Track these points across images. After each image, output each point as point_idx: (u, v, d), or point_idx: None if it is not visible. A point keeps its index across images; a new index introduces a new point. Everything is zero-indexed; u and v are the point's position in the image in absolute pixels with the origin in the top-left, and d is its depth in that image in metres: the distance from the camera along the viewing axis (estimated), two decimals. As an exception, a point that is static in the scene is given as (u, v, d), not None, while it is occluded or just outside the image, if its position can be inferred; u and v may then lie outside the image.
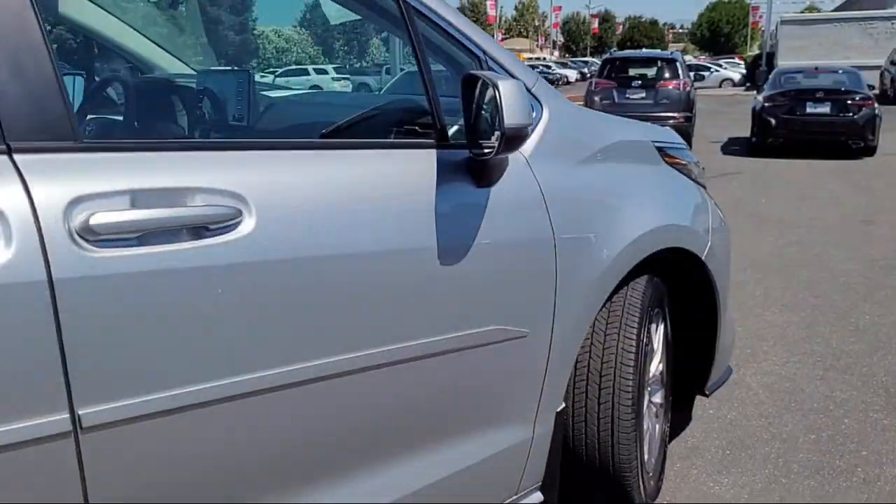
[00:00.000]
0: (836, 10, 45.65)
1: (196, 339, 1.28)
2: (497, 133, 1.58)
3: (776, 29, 32.70)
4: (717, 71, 35.76)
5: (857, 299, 4.62)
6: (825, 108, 11.77)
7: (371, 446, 1.63)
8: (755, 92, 14.69)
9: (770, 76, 13.62)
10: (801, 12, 54.08)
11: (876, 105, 11.88)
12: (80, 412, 1.15)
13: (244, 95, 2.20)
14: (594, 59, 53.22)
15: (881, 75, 24.41)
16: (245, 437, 1.39)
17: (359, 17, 2.20)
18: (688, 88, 12.43)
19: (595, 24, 79.85)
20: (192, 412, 1.28)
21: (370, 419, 1.61)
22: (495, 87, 1.55)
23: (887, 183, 9.32)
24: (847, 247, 5.99)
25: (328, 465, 1.55)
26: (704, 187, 2.65)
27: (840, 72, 13.04)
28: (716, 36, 69.91)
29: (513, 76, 1.84)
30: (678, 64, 12.71)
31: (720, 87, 34.96)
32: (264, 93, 2.69)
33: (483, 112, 1.66)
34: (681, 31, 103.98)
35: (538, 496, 2.06)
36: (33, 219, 1.11)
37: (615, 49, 31.31)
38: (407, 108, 1.90)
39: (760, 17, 57.40)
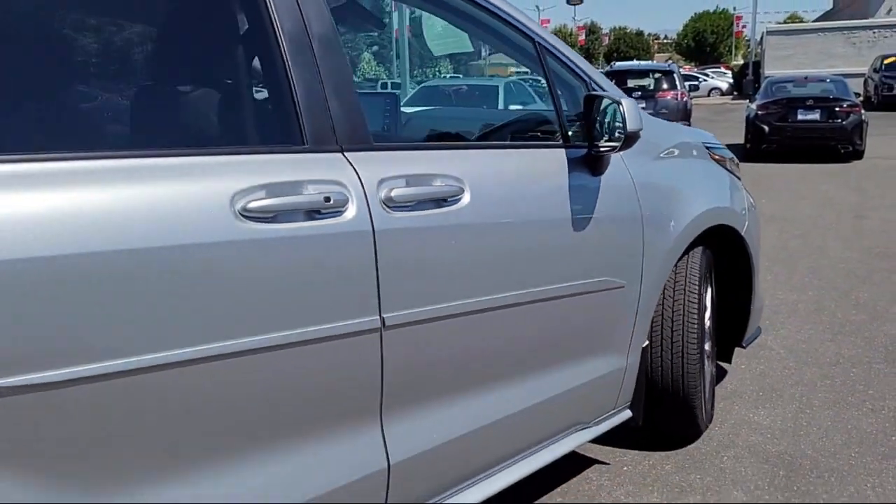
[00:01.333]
0: (818, 20, 46.75)
1: (442, 269, 1.92)
2: (620, 135, 2.23)
3: (761, 38, 33.63)
4: (705, 80, 36.66)
5: (856, 281, 5.29)
6: (815, 115, 12.52)
7: (528, 359, 2.27)
8: (747, 101, 15.42)
9: (762, 85, 14.37)
10: (784, 21, 55.33)
11: (863, 111, 12.65)
12: (384, 315, 1.79)
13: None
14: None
15: (865, 83, 25.32)
16: (473, 338, 2.04)
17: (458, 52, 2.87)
18: (685, 98, 13.19)
19: (582, 36, 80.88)
20: (444, 321, 1.91)
21: (526, 340, 2.25)
22: (619, 103, 2.21)
23: (876, 184, 10.04)
24: (844, 239, 6.68)
25: (504, 370, 2.19)
26: (739, 178, 3.31)
27: (828, 80, 13.83)
28: (701, 46, 71.10)
29: (606, 93, 2.50)
30: (675, 75, 13.47)
31: (709, 95, 35.83)
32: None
33: (599, 120, 2.31)
34: (666, 41, 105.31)
35: (628, 413, 2.71)
36: (363, 193, 1.75)
37: (615, 62, 32.06)
38: (539, 118, 2.56)
39: (744, 26, 58.66)
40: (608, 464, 2.87)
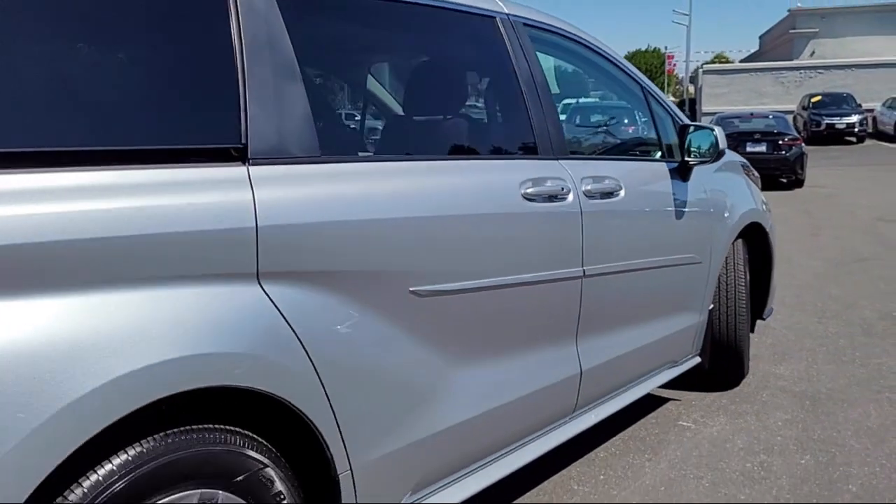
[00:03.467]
0: (745, 60, 49.62)
1: (611, 240, 2.84)
2: (711, 152, 3.21)
3: (696, 76, 35.76)
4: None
5: (825, 281, 6.41)
6: (762, 148, 13.93)
7: (652, 308, 3.21)
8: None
9: (713, 120, 15.79)
10: (712, 61, 58.29)
11: (803, 144, 14.11)
12: (585, 268, 2.70)
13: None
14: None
15: (794, 119, 27.29)
16: (624, 289, 2.96)
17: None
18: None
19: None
20: (611, 275, 2.83)
21: (651, 294, 3.19)
22: (713, 130, 3.19)
23: (819, 207, 11.37)
24: (806, 251, 7.84)
25: (639, 315, 3.13)
26: (759, 187, 4.34)
27: (770, 116, 15.34)
28: (635, 83, 73.99)
29: (682, 120, 3.48)
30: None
31: (648, 130, 37.69)
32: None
33: (689, 140, 3.29)
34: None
35: (698, 359, 3.66)
36: (575, 186, 2.66)
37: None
38: (645, 140, 3.52)
39: (675, 65, 61.66)
40: (680, 400, 3.82)
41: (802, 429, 3.46)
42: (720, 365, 3.86)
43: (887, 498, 2.81)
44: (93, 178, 1.54)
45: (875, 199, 12.28)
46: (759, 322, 4.40)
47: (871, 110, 27.08)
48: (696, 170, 3.44)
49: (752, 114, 15.62)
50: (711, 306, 3.68)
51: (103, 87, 1.69)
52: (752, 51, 53.38)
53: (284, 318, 1.78)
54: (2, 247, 1.39)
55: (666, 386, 3.70)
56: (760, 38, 51.10)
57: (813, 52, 36.96)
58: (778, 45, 41.93)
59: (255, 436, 1.76)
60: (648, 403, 3.70)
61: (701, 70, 34.13)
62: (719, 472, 3.07)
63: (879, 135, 26.84)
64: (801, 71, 31.82)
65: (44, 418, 1.38)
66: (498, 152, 2.66)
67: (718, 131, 3.24)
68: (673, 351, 3.46)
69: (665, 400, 3.82)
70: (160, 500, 1.58)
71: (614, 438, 3.40)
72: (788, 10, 40.07)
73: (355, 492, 1.98)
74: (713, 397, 3.85)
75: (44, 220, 1.45)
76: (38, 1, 1.57)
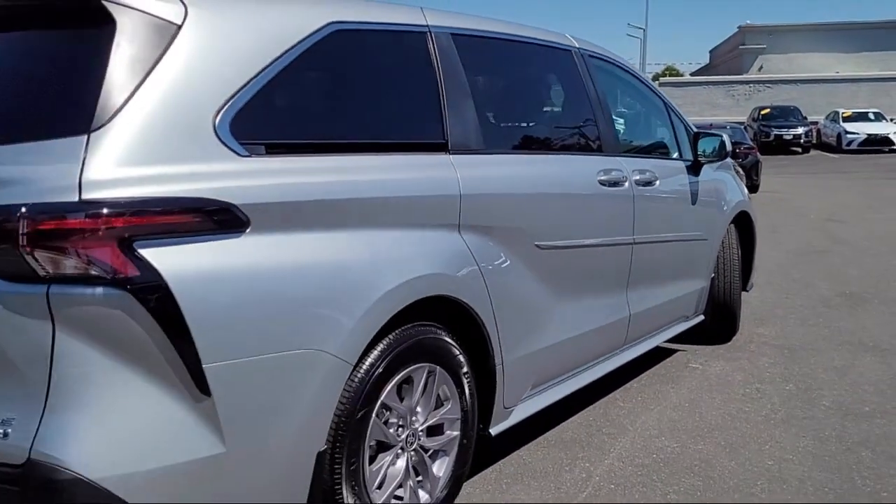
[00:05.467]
0: (696, 73, 51.62)
1: (652, 217, 3.81)
2: (721, 154, 4.22)
3: (652, 89, 37.41)
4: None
5: (787, 268, 7.51)
6: (721, 156, 15.16)
7: (674, 271, 4.19)
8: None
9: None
10: (662, 73, 60.38)
11: (758, 153, 15.40)
12: (635, 237, 3.66)
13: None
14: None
15: (745, 130, 28.89)
16: (656, 256, 3.94)
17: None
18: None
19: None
20: (650, 244, 3.80)
21: (674, 261, 4.17)
22: (721, 136, 4.20)
23: (774, 209, 12.57)
24: (769, 245, 8.93)
25: (666, 276, 4.10)
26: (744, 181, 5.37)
27: (728, 127, 16.62)
28: (589, 93, 75.93)
29: (694, 129, 4.48)
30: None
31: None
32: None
33: (700, 144, 4.29)
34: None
35: (702, 317, 4.67)
36: (629, 176, 3.62)
37: None
38: (667, 144, 4.50)
39: (629, 76, 63.63)
40: (686, 350, 4.81)
41: (784, 367, 4.48)
42: (717, 322, 4.87)
43: (853, 412, 3.82)
44: (385, 159, 2.49)
45: (823, 202, 13.60)
46: (742, 294, 5.42)
47: (815, 123, 28.83)
48: (703, 167, 4.44)
49: (711, 125, 16.88)
50: (713, 275, 4.69)
51: (396, 112, 2.72)
52: (703, 64, 55.51)
53: (472, 255, 2.70)
54: (347, 199, 2.30)
55: (674, 339, 4.67)
56: (711, 52, 53.25)
57: (761, 67, 38.92)
58: (728, 59, 43.90)
59: (451, 335, 2.68)
60: (663, 353, 4.68)
61: (657, 83, 35.73)
62: (726, 394, 4.07)
63: (823, 145, 28.63)
64: (751, 85, 33.62)
65: (372, 301, 2.29)
66: (582, 150, 3.61)
67: (726, 137, 4.24)
68: (685, 308, 4.44)
69: (675, 351, 4.81)
70: (411, 366, 2.49)
71: (640, 376, 4.36)
72: (738, 27, 42.08)
73: (503, 381, 2.90)
74: (712, 348, 4.85)
75: (363, 184, 2.37)
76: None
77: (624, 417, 3.76)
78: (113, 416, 1.84)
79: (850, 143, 26.58)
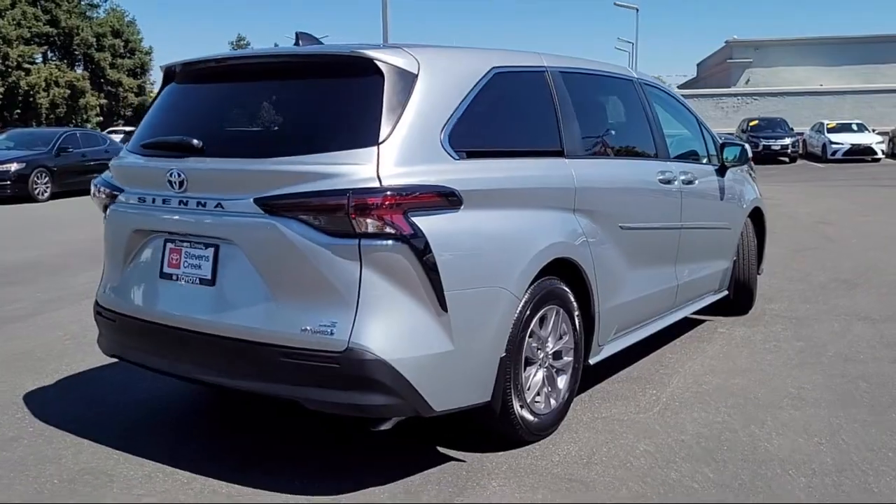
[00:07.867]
0: (683, 86, 53.05)
1: (692, 209, 4.90)
2: (742, 159, 5.33)
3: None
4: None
5: (787, 261, 8.62)
6: (718, 165, 16.33)
7: (708, 252, 5.28)
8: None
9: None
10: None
11: (751, 162, 16.58)
12: (682, 223, 4.75)
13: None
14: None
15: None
16: (696, 240, 5.03)
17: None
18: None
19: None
20: (692, 230, 4.89)
21: (707, 245, 5.26)
22: (743, 145, 5.30)
23: (768, 213, 13.69)
24: (769, 244, 9.99)
25: (703, 256, 5.19)
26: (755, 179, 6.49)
27: (722, 138, 17.80)
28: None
29: (732, 140, 5.58)
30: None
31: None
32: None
33: (725, 151, 5.39)
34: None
35: (726, 292, 5.76)
36: (678, 176, 4.71)
37: None
38: (699, 152, 5.59)
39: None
40: (713, 321, 5.90)
41: (794, 331, 5.57)
42: (737, 298, 5.95)
43: (852, 358, 4.90)
44: (531, 162, 3.59)
45: (813, 207, 14.77)
46: (761, 274, 6.51)
47: (801, 133, 30.15)
48: (727, 170, 5.53)
49: (707, 136, 18.09)
50: (735, 258, 5.77)
51: (533, 128, 3.82)
52: (690, 77, 57.04)
53: (582, 231, 3.77)
54: (514, 189, 3.38)
55: (701, 312, 5.75)
56: (698, 65, 54.76)
57: (748, 80, 40.37)
58: (715, 72, 45.37)
59: (568, 287, 3.74)
60: (694, 322, 5.76)
61: (648, 95, 37.04)
62: (751, 348, 5.15)
63: (809, 155, 29.93)
64: (739, 97, 35.00)
65: (531, 257, 3.36)
66: (645, 156, 4.69)
67: (747, 146, 5.34)
68: (714, 284, 5.53)
69: (704, 320, 5.89)
70: (547, 306, 3.56)
71: (680, 337, 5.43)
72: (726, 42, 43.55)
73: (599, 324, 3.98)
74: (733, 319, 5.94)
75: (522, 178, 3.45)
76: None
77: (674, 363, 4.84)
78: (394, 322, 2.91)
79: (834, 153, 27.83)
